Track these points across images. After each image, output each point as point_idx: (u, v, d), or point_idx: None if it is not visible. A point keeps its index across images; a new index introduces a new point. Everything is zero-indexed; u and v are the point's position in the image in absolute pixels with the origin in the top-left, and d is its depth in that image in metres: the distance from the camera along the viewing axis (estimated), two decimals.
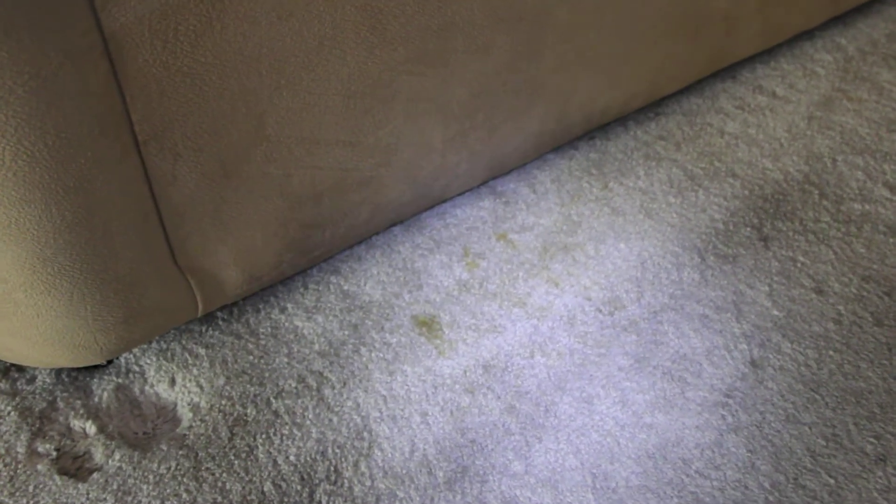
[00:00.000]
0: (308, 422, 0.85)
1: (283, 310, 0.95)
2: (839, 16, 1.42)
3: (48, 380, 0.87)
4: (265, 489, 0.79)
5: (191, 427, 0.84)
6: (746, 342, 0.92)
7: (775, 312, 0.95)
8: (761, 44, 1.28)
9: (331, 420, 0.85)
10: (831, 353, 0.92)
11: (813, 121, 1.22)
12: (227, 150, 0.75)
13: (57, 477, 0.79)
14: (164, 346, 0.91)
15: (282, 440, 0.83)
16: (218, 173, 0.76)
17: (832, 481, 0.81)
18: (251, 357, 0.90)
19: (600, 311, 0.96)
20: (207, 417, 0.85)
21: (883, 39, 1.38)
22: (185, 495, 0.79)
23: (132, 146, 0.68)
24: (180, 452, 0.82)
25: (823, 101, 1.25)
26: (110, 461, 0.81)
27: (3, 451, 0.81)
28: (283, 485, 0.80)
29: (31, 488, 0.78)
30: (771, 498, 0.79)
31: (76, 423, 0.84)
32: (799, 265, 1.01)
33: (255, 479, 0.80)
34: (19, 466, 0.80)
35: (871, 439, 0.84)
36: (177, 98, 0.68)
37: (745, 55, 1.27)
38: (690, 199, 1.09)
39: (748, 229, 1.05)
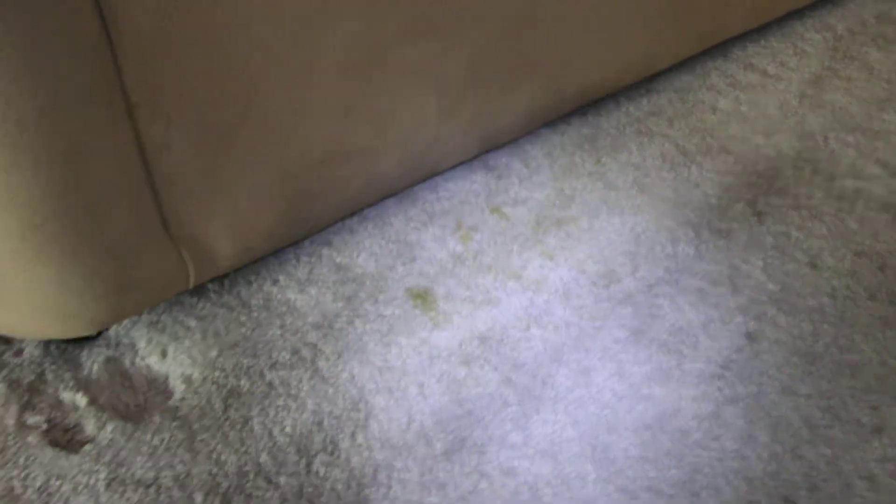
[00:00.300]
0: (303, 393, 0.84)
1: (275, 282, 0.93)
2: None
3: (36, 352, 0.86)
4: (261, 460, 0.78)
5: (183, 399, 0.83)
6: (742, 315, 0.92)
7: (770, 286, 0.95)
8: (752, 21, 1.28)
9: (326, 391, 0.84)
10: (826, 326, 0.92)
11: (804, 99, 1.21)
12: (220, 117, 0.73)
13: (48, 448, 0.78)
14: (155, 319, 0.89)
15: (277, 412, 0.82)
16: (211, 141, 0.74)
17: (829, 452, 0.81)
18: (244, 329, 0.89)
19: (595, 284, 0.95)
20: (201, 389, 0.84)
21: (872, 20, 1.38)
22: (179, 466, 0.77)
23: (124, 110, 0.67)
24: (174, 424, 0.81)
25: (814, 79, 1.25)
26: (102, 433, 0.80)
27: None
28: (280, 456, 0.79)
29: (21, 460, 0.77)
30: (769, 468, 0.79)
31: (66, 396, 0.83)
32: (793, 240, 1.01)
33: (250, 450, 0.79)
34: (9, 438, 0.78)
35: (868, 410, 0.84)
36: (169, 60, 0.67)
37: (735, 33, 1.27)
38: (683, 174, 1.08)
39: (742, 204, 1.05)
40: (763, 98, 1.21)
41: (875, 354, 0.89)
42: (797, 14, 1.38)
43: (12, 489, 0.75)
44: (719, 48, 1.30)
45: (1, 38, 0.56)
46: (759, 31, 1.34)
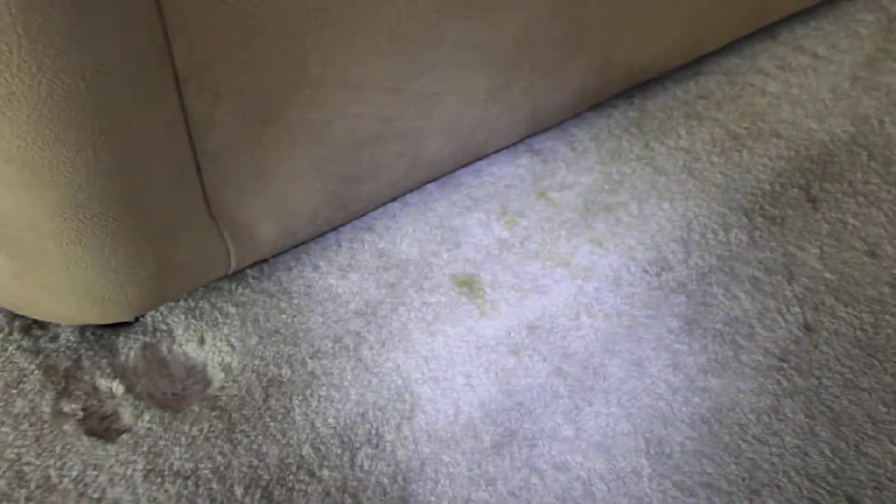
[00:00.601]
0: (346, 383, 0.81)
1: (315, 268, 0.90)
2: None
3: (72, 338, 0.83)
4: (303, 452, 0.76)
5: (223, 388, 0.80)
6: (799, 305, 0.89)
7: (827, 275, 0.92)
8: (802, 2, 1.23)
9: (370, 381, 0.81)
10: (887, 317, 0.88)
11: (857, 81, 1.17)
12: (268, 93, 0.70)
13: (85, 437, 0.76)
14: (193, 305, 0.87)
15: (319, 402, 0.79)
16: (258, 118, 0.71)
17: None
18: (284, 316, 0.86)
19: (647, 271, 0.92)
20: (240, 378, 0.81)
21: None
22: (219, 458, 0.75)
23: (172, 85, 0.64)
24: (213, 414, 0.78)
25: (867, 61, 1.21)
26: (139, 422, 0.77)
27: (28, 411, 0.77)
28: (323, 448, 0.76)
29: (58, 449, 0.74)
30: (832, 465, 0.76)
31: (102, 383, 0.80)
32: (850, 228, 0.97)
33: (292, 441, 0.76)
34: (45, 426, 0.76)
35: None
36: (220, 34, 0.64)
37: (784, 14, 1.23)
38: (734, 158, 1.05)
39: (795, 190, 1.01)
40: (814, 81, 1.17)
41: None
42: None
43: (49, 478, 0.73)
44: (767, 30, 1.26)
45: (52, 6, 0.53)
46: (808, 13, 1.30)
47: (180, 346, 0.84)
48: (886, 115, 1.12)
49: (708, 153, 1.05)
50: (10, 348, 0.82)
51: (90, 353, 0.82)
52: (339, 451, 0.76)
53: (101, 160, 0.63)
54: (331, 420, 0.78)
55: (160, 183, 0.69)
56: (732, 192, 1.00)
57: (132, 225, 0.70)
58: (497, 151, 1.03)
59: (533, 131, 1.02)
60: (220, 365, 0.82)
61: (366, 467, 0.75)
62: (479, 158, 1.00)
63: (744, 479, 0.75)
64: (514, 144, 1.04)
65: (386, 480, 0.74)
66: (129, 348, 0.83)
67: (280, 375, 0.81)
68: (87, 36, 0.56)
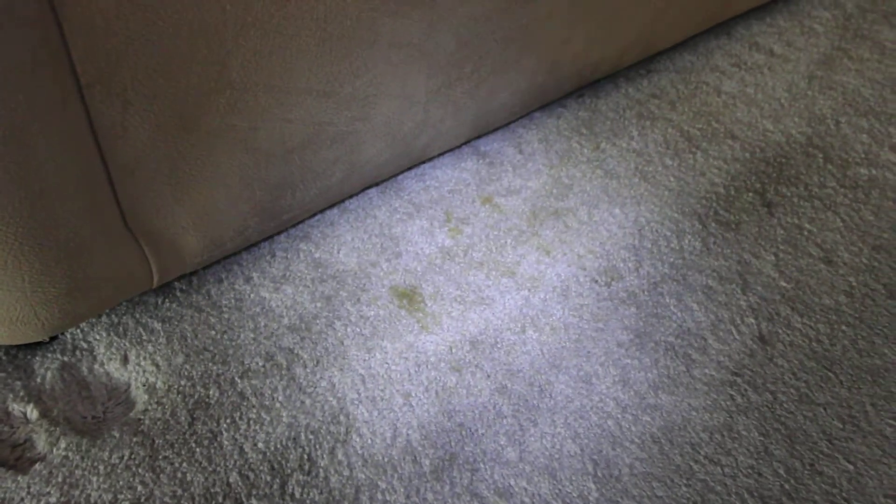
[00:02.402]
0: (278, 404, 0.76)
1: (248, 280, 0.85)
2: None
3: None
4: (231, 480, 0.71)
5: (146, 411, 0.75)
6: (754, 316, 0.86)
7: (783, 284, 0.89)
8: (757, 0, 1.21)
9: (303, 402, 0.76)
10: (844, 327, 0.85)
11: (813, 80, 1.15)
12: (185, 97, 0.65)
13: None
14: (116, 321, 0.81)
15: (249, 425, 0.74)
16: (174, 124, 0.66)
17: (851, 467, 0.75)
18: (213, 332, 0.81)
19: (596, 281, 0.88)
20: (165, 400, 0.76)
21: None
22: (140, 488, 0.70)
23: (74, 89, 0.59)
24: (135, 439, 0.73)
25: (823, 59, 1.18)
26: (55, 450, 0.72)
27: None
28: (251, 475, 0.71)
29: None
30: (787, 486, 0.73)
31: (15, 407, 0.75)
32: (806, 233, 0.94)
33: (219, 468, 0.71)
34: None
35: (891, 421, 0.78)
36: (126, 33, 0.58)
37: (740, 11, 1.20)
38: (688, 161, 1.01)
39: (751, 194, 0.98)
40: (770, 80, 1.14)
41: None
42: None
43: None
44: (722, 26, 1.23)
45: None
46: (764, 9, 1.27)
47: (102, 365, 0.79)
48: (843, 115, 1.09)
49: (661, 155, 1.02)
50: None
51: (2, 374, 0.77)
52: (269, 478, 0.71)
53: None
54: (260, 445, 0.73)
55: (67, 195, 0.64)
56: (686, 197, 0.97)
57: (38, 240, 0.64)
58: (441, 154, 0.98)
59: (479, 133, 0.98)
60: (143, 385, 0.77)
61: (297, 496, 0.70)
62: (423, 162, 0.96)
63: (695, 503, 0.71)
64: (460, 147, 1.00)
65: None
66: (45, 369, 0.78)
67: (207, 396, 0.76)
68: None
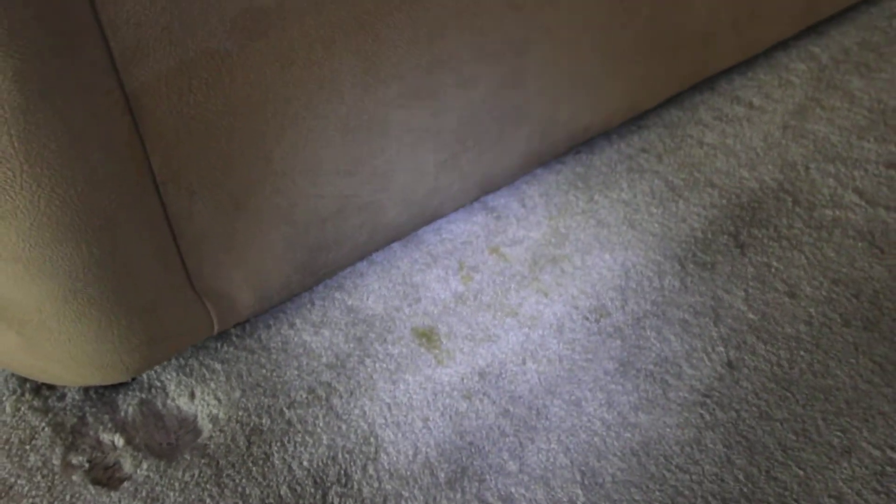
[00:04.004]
0: (319, 429, 0.92)
1: (291, 325, 1.02)
2: (812, 25, 1.49)
3: (77, 397, 0.95)
4: (282, 493, 0.87)
5: (211, 437, 0.91)
6: (723, 344, 0.99)
7: (750, 316, 1.02)
8: (738, 56, 1.35)
9: (340, 427, 0.92)
10: (802, 353, 0.99)
11: (787, 129, 1.28)
12: (237, 185, 0.82)
13: (91, 486, 0.87)
14: (183, 363, 0.98)
15: (295, 447, 0.90)
16: (230, 206, 0.83)
17: (802, 473, 0.88)
18: (264, 370, 0.97)
19: (587, 318, 1.03)
20: (226, 428, 0.92)
21: (855, 47, 1.44)
22: (208, 500, 0.86)
23: (152, 187, 0.76)
24: (202, 461, 0.89)
25: (798, 109, 1.32)
26: (138, 470, 0.88)
27: (40, 464, 0.88)
28: (298, 488, 0.87)
29: (67, 497, 0.86)
30: (745, 490, 0.86)
31: (105, 437, 0.92)
32: (773, 270, 1.08)
33: (272, 483, 0.87)
34: (56, 478, 0.87)
35: (838, 433, 0.91)
36: (191, 142, 0.75)
37: (722, 68, 1.34)
38: (671, 209, 1.16)
39: (725, 237, 1.12)
40: (748, 130, 1.28)
41: (848, 378, 0.96)
42: (782, 45, 1.45)
43: None
44: (707, 81, 1.38)
45: (48, 137, 0.65)
46: (746, 64, 1.41)
47: (173, 400, 0.95)
48: (812, 161, 1.23)
49: (647, 204, 1.16)
50: (23, 408, 0.93)
51: (94, 410, 0.94)
52: (313, 490, 0.87)
53: (93, 253, 0.74)
54: (305, 463, 0.89)
55: (147, 267, 0.81)
56: (668, 241, 1.11)
57: (124, 304, 0.81)
58: (455, 210, 1.14)
59: (485, 192, 1.14)
60: (208, 416, 0.93)
61: None
62: (438, 218, 1.12)
63: None
64: (471, 203, 1.16)
65: None
66: (127, 404, 0.95)
67: (261, 424, 0.92)
68: (76, 157, 0.68)
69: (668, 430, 0.91)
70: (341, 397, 0.95)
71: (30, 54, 0.61)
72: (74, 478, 0.88)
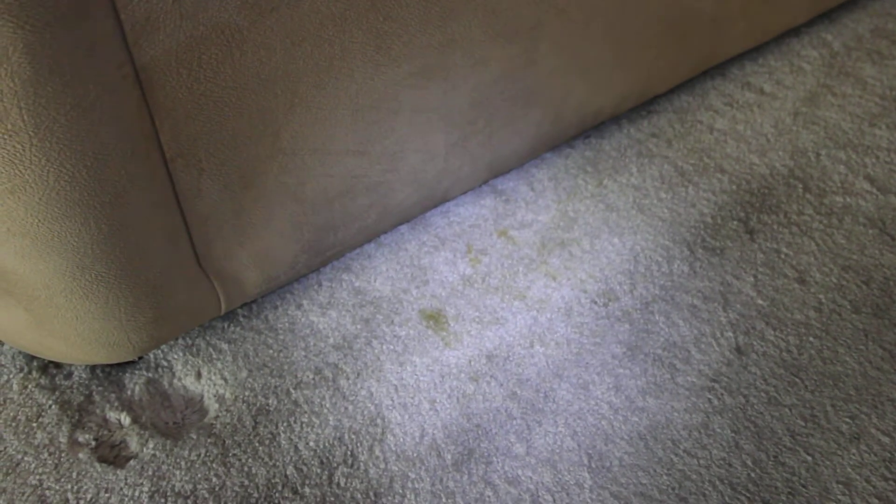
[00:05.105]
0: (325, 410, 0.92)
1: (299, 306, 1.01)
2: (825, 12, 1.48)
3: (84, 375, 0.95)
4: (288, 473, 0.86)
5: (217, 417, 0.91)
6: (732, 330, 0.99)
7: (760, 301, 1.02)
8: (749, 42, 1.34)
9: (346, 408, 0.92)
10: (811, 339, 0.98)
11: (798, 116, 1.28)
12: (246, 163, 0.81)
13: (97, 464, 0.87)
14: (190, 342, 0.98)
15: (302, 427, 0.90)
16: (238, 185, 0.82)
17: (810, 458, 0.87)
18: (271, 351, 0.97)
19: (595, 302, 1.02)
20: (232, 408, 0.92)
21: (867, 34, 1.43)
22: (214, 479, 0.86)
23: (161, 163, 0.75)
24: (209, 440, 0.89)
25: (809, 96, 1.31)
26: (145, 449, 0.88)
27: (47, 442, 0.88)
28: (305, 468, 0.87)
29: (74, 475, 0.86)
30: (753, 475, 0.86)
31: (112, 415, 0.91)
32: (783, 256, 1.07)
33: (278, 463, 0.87)
34: (62, 455, 0.87)
35: (847, 419, 0.91)
36: (201, 119, 0.75)
37: (733, 54, 1.33)
38: (681, 194, 1.15)
39: (735, 223, 1.11)
40: (759, 117, 1.28)
41: (857, 365, 0.95)
42: (794, 31, 1.44)
43: (67, 501, 0.84)
44: (718, 67, 1.37)
45: (57, 111, 0.64)
46: (757, 50, 1.40)
47: (179, 380, 0.95)
48: (823, 148, 1.22)
49: (657, 189, 1.16)
50: (30, 386, 0.93)
51: (100, 388, 0.93)
52: (319, 470, 0.87)
53: (102, 229, 0.74)
54: (311, 443, 0.89)
55: (155, 244, 0.80)
56: (677, 226, 1.11)
57: (132, 281, 0.81)
58: (463, 193, 1.13)
59: (494, 175, 1.13)
60: (214, 396, 0.93)
61: (342, 485, 0.86)
62: (446, 201, 1.11)
63: (674, 489, 0.85)
64: (480, 186, 1.15)
65: (360, 496, 0.85)
66: (134, 383, 0.94)
67: (267, 405, 0.92)
68: (86, 131, 0.67)
69: (675, 414, 0.91)
70: (348, 378, 0.95)
71: (40, 26, 0.60)
72: (81, 455, 0.87)
